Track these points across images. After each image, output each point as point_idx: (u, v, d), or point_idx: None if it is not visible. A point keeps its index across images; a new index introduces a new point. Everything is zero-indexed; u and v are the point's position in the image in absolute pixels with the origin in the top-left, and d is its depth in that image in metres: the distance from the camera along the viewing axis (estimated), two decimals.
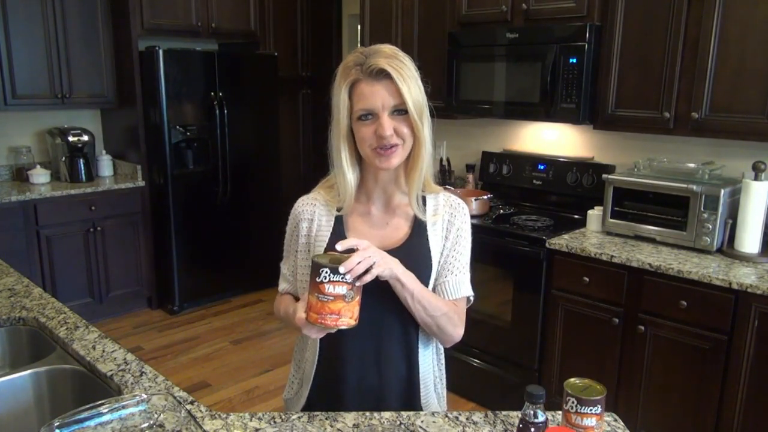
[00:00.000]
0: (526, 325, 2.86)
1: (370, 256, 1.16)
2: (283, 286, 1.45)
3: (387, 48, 1.24)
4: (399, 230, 1.35)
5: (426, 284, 1.34)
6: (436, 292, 1.36)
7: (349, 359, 1.35)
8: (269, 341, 3.87)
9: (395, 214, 1.36)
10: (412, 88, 1.22)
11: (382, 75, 1.20)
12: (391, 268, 1.21)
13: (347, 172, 1.29)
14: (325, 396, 1.38)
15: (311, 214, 1.37)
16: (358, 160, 1.31)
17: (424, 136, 1.25)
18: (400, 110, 1.23)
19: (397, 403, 1.37)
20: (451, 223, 1.37)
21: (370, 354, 1.35)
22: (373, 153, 1.25)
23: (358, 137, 1.26)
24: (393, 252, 1.30)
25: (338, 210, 1.35)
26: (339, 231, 1.34)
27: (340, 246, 1.16)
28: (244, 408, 3.13)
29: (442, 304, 1.33)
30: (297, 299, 1.41)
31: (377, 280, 1.25)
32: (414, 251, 1.32)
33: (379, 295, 1.29)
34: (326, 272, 1.11)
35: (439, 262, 1.36)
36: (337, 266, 1.11)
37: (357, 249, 1.16)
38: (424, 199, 1.36)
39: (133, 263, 4.22)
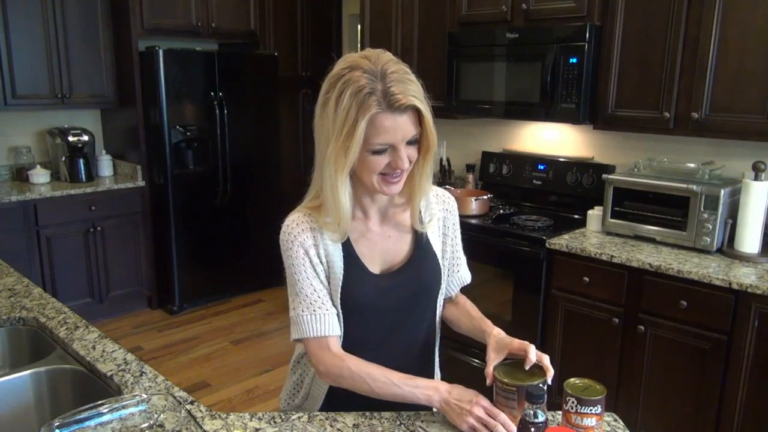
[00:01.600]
0: (526, 325, 2.86)
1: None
2: (326, 327, 1.24)
3: (392, 66, 1.15)
4: (401, 242, 1.33)
5: (439, 289, 1.37)
6: (451, 284, 1.43)
7: None
8: (269, 341, 3.87)
9: (391, 224, 1.32)
10: (431, 117, 1.17)
11: (405, 108, 1.13)
12: None
13: (344, 203, 1.19)
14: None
15: (315, 240, 1.25)
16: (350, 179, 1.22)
17: (432, 159, 1.23)
18: (413, 139, 1.18)
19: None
20: (447, 219, 1.39)
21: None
22: (379, 179, 1.19)
23: (366, 167, 1.17)
24: (405, 268, 1.31)
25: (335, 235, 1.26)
26: (351, 254, 1.27)
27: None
28: (244, 408, 3.13)
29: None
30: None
31: (399, 296, 1.29)
32: (425, 262, 1.33)
33: (401, 313, 1.31)
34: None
35: (443, 258, 1.38)
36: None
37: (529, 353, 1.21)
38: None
39: (133, 263, 4.22)
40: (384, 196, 1.28)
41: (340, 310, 1.27)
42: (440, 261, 1.36)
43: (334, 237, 1.25)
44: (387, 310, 1.30)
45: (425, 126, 1.17)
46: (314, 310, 1.24)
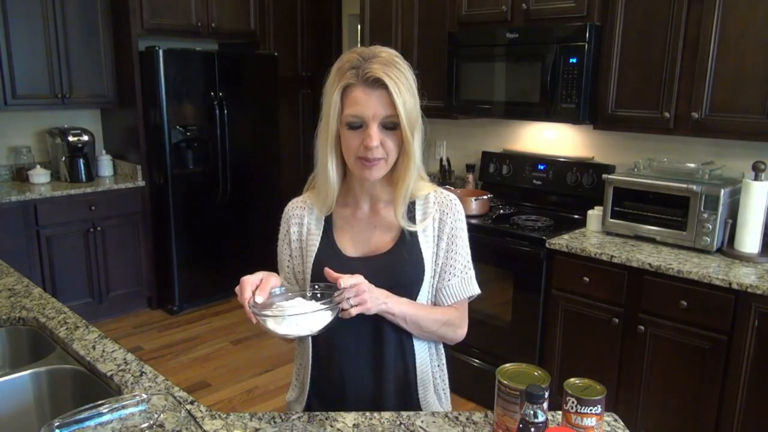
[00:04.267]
0: (526, 325, 2.86)
1: (357, 294, 1.16)
2: None
3: (385, 53, 1.20)
4: (387, 233, 1.32)
5: (418, 289, 1.31)
6: (440, 295, 1.34)
7: (345, 365, 1.35)
8: (269, 341, 3.87)
9: (383, 216, 1.33)
10: (407, 101, 1.18)
11: (378, 84, 1.16)
12: (378, 305, 1.21)
13: (331, 176, 1.27)
14: (324, 401, 1.38)
15: (300, 218, 1.36)
16: (344, 163, 1.28)
17: (413, 150, 1.22)
18: (390, 123, 1.19)
19: (394, 405, 1.36)
20: (443, 222, 1.32)
21: (367, 358, 1.34)
22: (356, 162, 1.22)
23: (344, 144, 1.22)
24: (383, 256, 1.30)
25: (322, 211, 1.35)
26: (328, 236, 1.34)
27: (327, 275, 1.17)
28: (244, 408, 3.13)
29: (440, 314, 1.33)
30: None
31: (370, 281, 1.25)
32: (403, 256, 1.30)
33: None
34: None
35: (435, 262, 1.33)
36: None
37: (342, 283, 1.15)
38: (413, 204, 1.32)
39: (133, 263, 4.22)
40: (375, 188, 1.31)
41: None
42: (426, 261, 1.31)
43: (321, 211, 1.34)
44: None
45: (397, 109, 1.16)
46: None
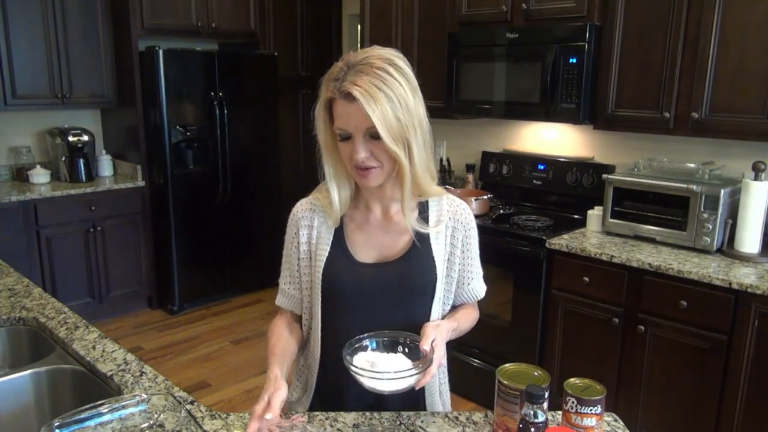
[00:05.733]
0: (526, 325, 2.86)
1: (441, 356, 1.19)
2: (280, 300, 1.40)
3: (375, 58, 1.15)
4: (400, 238, 1.31)
5: (432, 293, 1.32)
6: (462, 298, 1.39)
7: None
8: None
9: (395, 221, 1.31)
10: (388, 112, 1.12)
11: (353, 97, 1.12)
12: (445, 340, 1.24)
13: (332, 186, 1.26)
14: (328, 403, 1.36)
15: (310, 221, 1.32)
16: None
17: (402, 160, 1.17)
18: (376, 134, 1.14)
19: (399, 410, 1.35)
20: (456, 230, 1.33)
21: None
22: (353, 171, 1.21)
23: (341, 153, 1.21)
24: (395, 263, 1.29)
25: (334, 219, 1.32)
26: (340, 241, 1.31)
27: (426, 346, 1.17)
28: (244, 408, 3.12)
29: (472, 318, 1.40)
30: (294, 317, 1.40)
31: (381, 288, 1.27)
32: (417, 261, 1.29)
33: (385, 307, 1.29)
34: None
35: (446, 268, 1.33)
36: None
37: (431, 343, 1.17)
38: (426, 204, 1.32)
39: (133, 263, 4.22)
40: (384, 190, 1.29)
41: (319, 293, 1.31)
42: (438, 266, 1.31)
43: (330, 219, 1.31)
44: (367, 300, 1.28)
45: (374, 123, 1.12)
46: (283, 284, 1.39)
